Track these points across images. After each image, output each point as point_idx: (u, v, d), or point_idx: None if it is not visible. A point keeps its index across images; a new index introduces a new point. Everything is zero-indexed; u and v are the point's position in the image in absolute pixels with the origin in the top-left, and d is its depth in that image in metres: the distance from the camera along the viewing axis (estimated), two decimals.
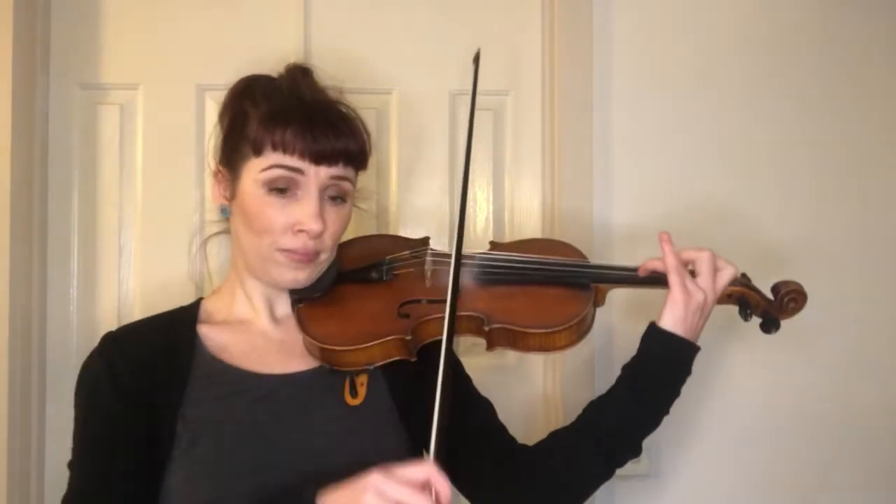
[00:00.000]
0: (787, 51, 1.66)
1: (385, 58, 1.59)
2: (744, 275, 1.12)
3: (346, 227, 1.09)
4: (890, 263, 1.68)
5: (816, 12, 1.67)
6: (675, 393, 1.06)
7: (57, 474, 1.47)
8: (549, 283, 1.11)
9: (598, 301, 1.12)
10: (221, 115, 1.10)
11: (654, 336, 1.05)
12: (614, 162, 1.60)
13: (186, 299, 1.17)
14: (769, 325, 1.10)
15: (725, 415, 1.62)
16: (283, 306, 1.11)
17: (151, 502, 0.97)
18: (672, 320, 1.04)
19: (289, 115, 1.01)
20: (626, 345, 1.08)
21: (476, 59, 1.17)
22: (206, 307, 1.12)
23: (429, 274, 1.13)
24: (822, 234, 1.66)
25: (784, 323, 1.10)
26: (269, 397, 1.03)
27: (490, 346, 1.07)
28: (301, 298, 1.09)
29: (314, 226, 1.00)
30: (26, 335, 1.45)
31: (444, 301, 0.98)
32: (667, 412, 1.07)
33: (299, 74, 1.09)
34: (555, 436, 1.11)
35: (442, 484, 0.81)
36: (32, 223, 1.47)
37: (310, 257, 1.03)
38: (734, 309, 1.11)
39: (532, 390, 1.62)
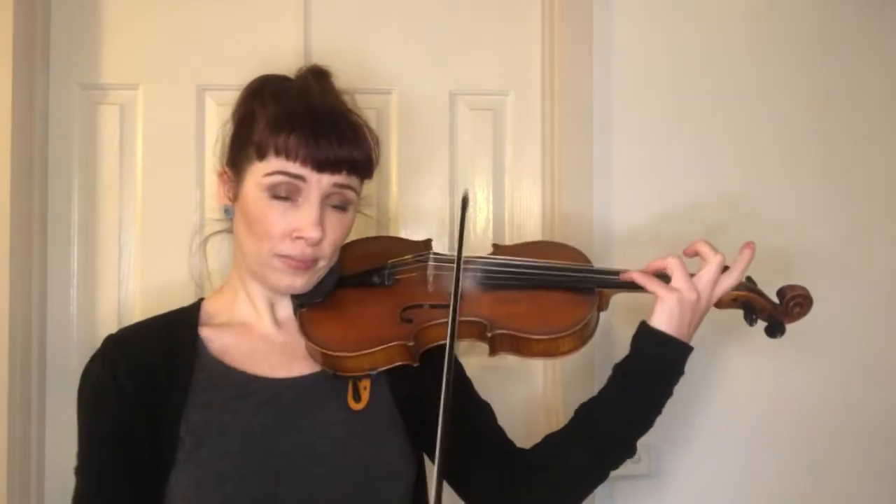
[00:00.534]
0: (788, 51, 1.66)
1: (385, 58, 1.59)
2: (749, 278, 1.11)
3: (348, 234, 1.08)
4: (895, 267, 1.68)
5: (817, 12, 1.67)
6: (668, 393, 1.04)
7: (57, 474, 1.48)
8: (553, 287, 1.09)
9: (603, 305, 1.11)
10: (233, 114, 1.08)
11: (645, 335, 1.04)
12: (614, 163, 1.60)
13: (187, 299, 1.17)
14: (774, 330, 1.08)
15: (725, 416, 1.63)
16: (285, 309, 1.11)
17: None
18: (663, 318, 1.02)
19: (294, 120, 0.99)
20: (626, 347, 1.07)
21: (464, 202, 1.10)
22: (208, 308, 1.12)
23: (431, 278, 1.12)
24: (826, 237, 1.65)
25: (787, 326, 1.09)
26: (273, 401, 1.03)
27: (493, 351, 1.06)
28: (303, 303, 1.08)
29: (313, 233, 0.99)
30: (26, 335, 1.45)
31: (447, 306, 0.98)
32: (659, 412, 1.05)
33: (311, 77, 1.07)
34: (549, 438, 1.10)
35: None
36: (32, 223, 1.47)
37: (307, 264, 1.02)
38: (738, 312, 1.10)
39: (532, 391, 1.62)
